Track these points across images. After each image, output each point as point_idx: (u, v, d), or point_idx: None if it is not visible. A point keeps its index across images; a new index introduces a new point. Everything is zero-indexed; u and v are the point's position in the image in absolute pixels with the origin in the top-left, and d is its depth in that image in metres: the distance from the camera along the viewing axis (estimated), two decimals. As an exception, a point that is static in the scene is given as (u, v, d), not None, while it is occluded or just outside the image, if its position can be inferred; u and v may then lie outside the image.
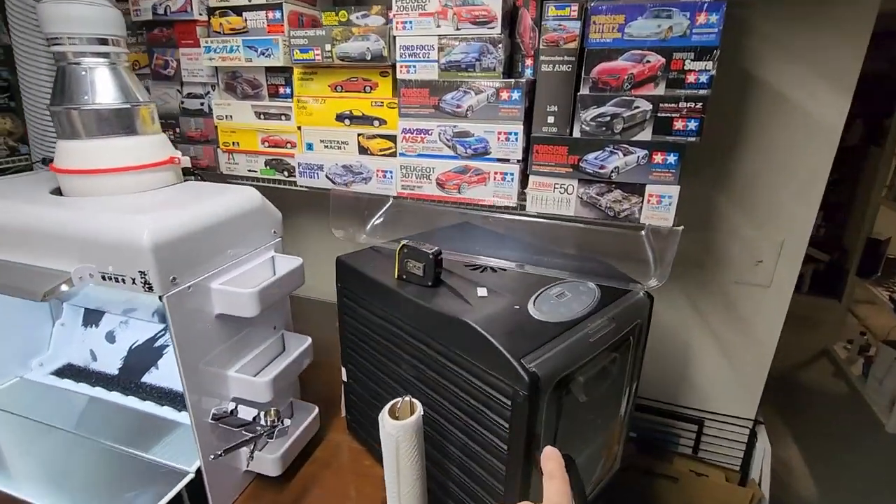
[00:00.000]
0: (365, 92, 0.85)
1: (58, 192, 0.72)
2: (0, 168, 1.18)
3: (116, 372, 0.89)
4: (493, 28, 0.72)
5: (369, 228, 0.83)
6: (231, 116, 0.96)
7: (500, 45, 0.73)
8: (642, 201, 0.71)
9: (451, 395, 0.61)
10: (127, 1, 0.95)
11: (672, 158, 0.68)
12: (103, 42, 0.69)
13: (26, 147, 1.22)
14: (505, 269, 0.70)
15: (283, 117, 0.92)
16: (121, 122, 0.71)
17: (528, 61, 0.76)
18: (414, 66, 0.78)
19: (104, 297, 0.89)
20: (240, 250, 0.69)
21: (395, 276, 0.68)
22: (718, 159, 0.92)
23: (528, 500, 0.42)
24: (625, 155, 0.70)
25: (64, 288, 0.57)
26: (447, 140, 0.79)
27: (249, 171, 0.99)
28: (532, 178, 0.75)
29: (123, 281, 0.58)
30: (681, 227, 0.70)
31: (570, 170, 0.73)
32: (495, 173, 0.77)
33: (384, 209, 0.85)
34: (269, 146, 0.95)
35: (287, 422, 0.69)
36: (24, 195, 0.68)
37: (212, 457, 0.64)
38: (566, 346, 0.55)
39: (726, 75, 0.84)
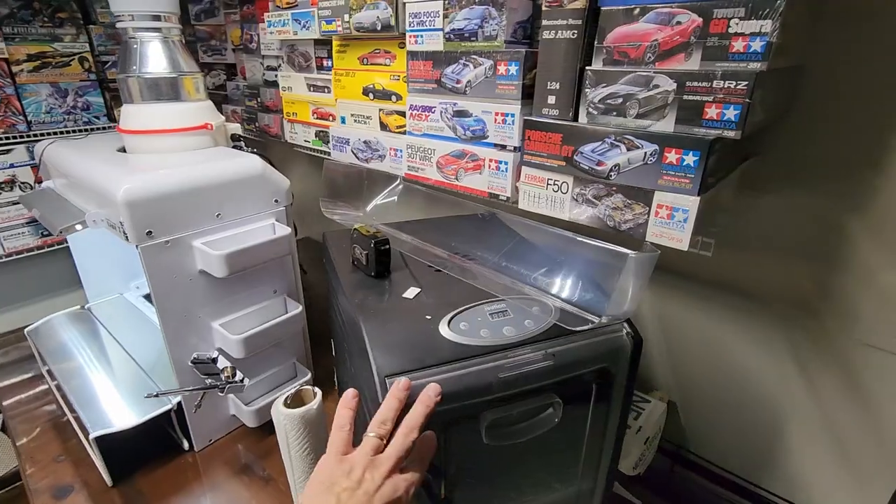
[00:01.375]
0: (385, 65, 0.81)
1: (123, 149, 0.86)
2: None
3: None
4: (495, -13, 0.61)
5: (370, 208, 0.80)
6: (291, 88, 1.01)
7: (503, 9, 0.61)
8: (648, 212, 0.53)
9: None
10: (226, -19, 1.07)
11: (691, 159, 0.49)
12: (156, 18, 0.78)
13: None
14: (469, 270, 0.61)
15: (325, 90, 0.94)
16: (167, 90, 0.80)
17: (550, 28, 0.63)
18: (421, 36, 0.71)
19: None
20: (230, 214, 0.74)
21: (351, 261, 0.65)
22: (850, 169, 0.64)
23: None
24: (628, 149, 0.53)
25: (78, 227, 0.68)
26: (448, 119, 0.71)
27: (305, 140, 1.04)
28: (524, 170, 0.63)
29: (115, 228, 0.66)
30: (656, 251, 0.51)
31: (564, 163, 0.58)
32: (490, 160, 0.67)
33: (389, 189, 0.81)
34: (318, 118, 0.99)
35: (245, 381, 0.73)
36: (93, 150, 0.83)
37: (146, 395, 0.72)
38: (461, 374, 0.46)
39: (876, 41, 0.57)
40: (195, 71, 0.83)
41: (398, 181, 0.81)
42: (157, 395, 0.72)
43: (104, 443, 0.70)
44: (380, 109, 0.83)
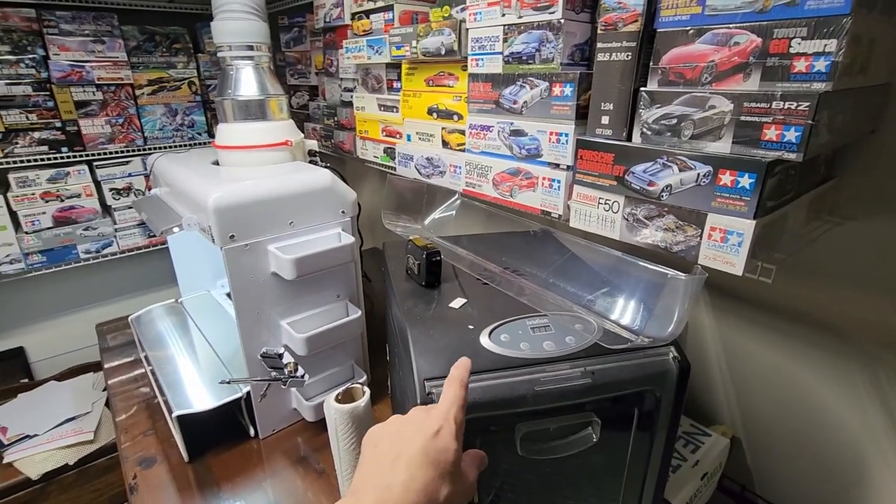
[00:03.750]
0: (449, 87, 0.85)
1: (217, 162, 0.97)
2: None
3: (259, 304, 1.15)
4: (553, 12, 0.63)
5: (429, 222, 0.84)
6: (364, 108, 1.09)
7: (559, 32, 0.63)
8: (701, 234, 0.52)
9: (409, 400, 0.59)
10: (313, 13, 1.17)
11: (746, 181, 0.48)
12: (250, 48, 0.88)
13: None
14: (510, 285, 0.62)
15: (394, 109, 1.00)
16: (255, 110, 0.90)
17: (608, 49, 0.64)
18: (482, 60, 0.74)
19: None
20: (302, 223, 0.81)
21: (405, 270, 0.69)
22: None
23: None
24: (681, 170, 0.52)
25: (175, 230, 0.78)
26: (505, 138, 0.73)
27: (374, 156, 1.12)
28: (576, 189, 0.64)
29: (205, 231, 0.76)
30: (705, 275, 0.49)
31: (615, 183, 0.58)
32: (544, 179, 0.68)
33: (448, 204, 0.85)
34: (386, 135, 1.05)
35: (306, 377, 0.78)
36: (192, 162, 0.95)
37: (220, 381, 0.79)
38: (494, 384, 0.48)
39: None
40: (280, 93, 0.92)
41: (456, 196, 0.85)
42: (228, 383, 0.80)
43: (184, 422, 0.79)
44: (442, 128, 0.87)
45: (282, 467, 0.82)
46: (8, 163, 1.23)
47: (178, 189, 0.87)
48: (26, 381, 1.56)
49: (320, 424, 0.88)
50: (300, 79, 1.42)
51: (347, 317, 0.89)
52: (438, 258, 0.63)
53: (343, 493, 0.62)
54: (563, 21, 0.62)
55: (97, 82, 1.29)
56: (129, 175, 1.41)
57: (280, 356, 0.83)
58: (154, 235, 1.49)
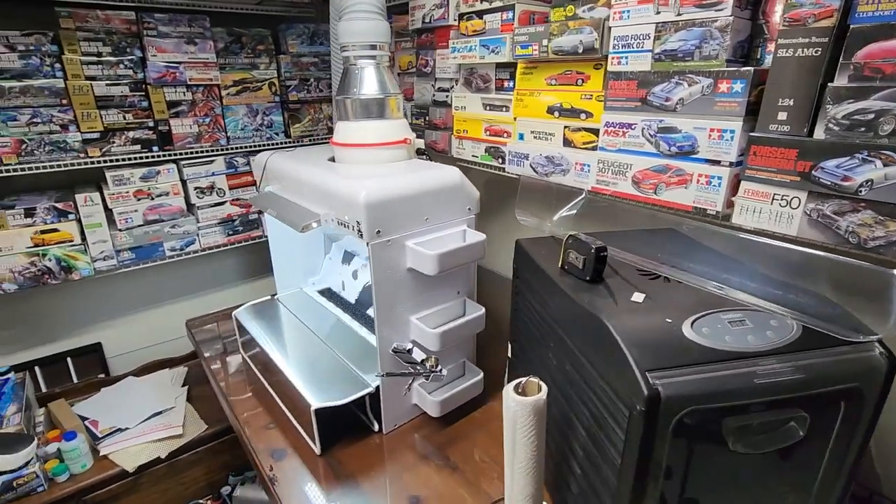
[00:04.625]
0: (577, 85, 0.86)
1: (332, 159, 0.98)
2: (323, 141, 1.65)
3: (353, 301, 1.16)
4: (721, 10, 0.63)
5: (556, 219, 0.85)
6: (465, 107, 1.10)
7: (727, 29, 0.63)
8: (904, 229, 0.52)
9: (581, 393, 0.60)
10: (407, 13, 1.19)
11: (968, 174, 0.48)
12: (373, 48, 0.90)
13: (338, 128, 1.66)
14: (680, 282, 0.63)
15: (503, 108, 1.01)
16: (376, 109, 0.91)
17: (771, 46, 0.64)
18: (625, 58, 0.75)
19: (358, 243, 1.16)
20: (435, 219, 0.82)
21: (559, 265, 0.70)
22: None
23: None
24: (885, 165, 0.52)
25: (314, 225, 0.80)
26: (650, 136, 0.74)
27: (473, 156, 1.12)
28: (744, 185, 0.64)
29: (348, 227, 0.77)
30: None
31: (798, 178, 0.58)
32: (699, 175, 0.69)
33: (574, 202, 0.85)
34: (490, 135, 1.06)
35: (444, 371, 0.79)
36: (311, 160, 0.96)
37: (376, 374, 0.80)
38: (715, 376, 0.48)
39: None
40: (398, 92, 0.93)
41: (583, 195, 0.85)
42: (385, 376, 0.81)
43: (321, 415, 0.80)
44: (565, 126, 0.88)
45: (413, 461, 0.82)
46: (105, 161, 1.26)
47: (304, 185, 0.89)
48: (103, 376, 1.59)
49: (442, 420, 0.89)
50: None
51: (465, 314, 0.90)
52: (605, 253, 0.64)
53: (513, 485, 0.62)
54: (732, 18, 0.63)
55: (189, 83, 1.32)
56: (213, 174, 1.43)
57: (409, 351, 0.84)
58: (234, 234, 1.51)
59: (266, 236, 1.59)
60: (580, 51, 0.80)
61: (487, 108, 1.05)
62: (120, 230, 1.31)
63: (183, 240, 1.42)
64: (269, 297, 1.19)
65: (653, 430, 0.47)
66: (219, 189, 1.45)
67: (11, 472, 1.08)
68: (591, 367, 0.57)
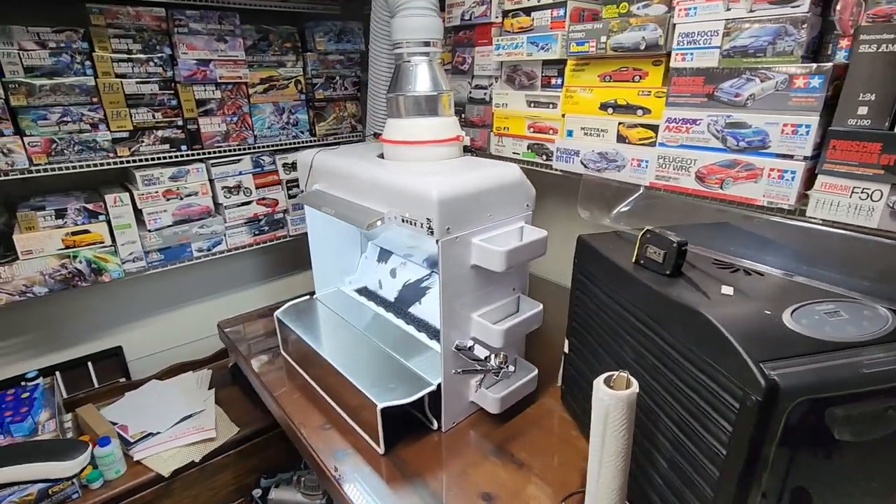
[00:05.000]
0: (633, 81, 0.86)
1: (380, 156, 0.98)
2: (347, 140, 1.64)
3: (393, 300, 1.15)
4: (798, 6, 0.64)
5: (614, 215, 0.85)
6: (506, 104, 1.10)
7: (804, 26, 0.64)
8: None
9: (670, 386, 0.60)
10: (443, 10, 1.18)
11: None
12: (427, 44, 0.89)
13: (361, 126, 1.65)
14: (762, 274, 0.63)
15: (550, 105, 1.01)
16: (429, 106, 0.91)
17: (844, 42, 0.65)
18: (691, 54, 0.75)
19: (395, 241, 1.16)
20: (497, 215, 0.82)
21: (633, 260, 0.70)
22: None
23: None
24: (975, 157, 0.54)
25: (379, 223, 0.79)
26: (717, 131, 0.74)
27: (514, 153, 1.13)
28: (821, 179, 0.65)
29: (415, 224, 0.76)
30: None
31: (882, 171, 0.60)
32: (771, 170, 0.70)
33: (632, 198, 0.86)
34: (534, 132, 1.06)
35: (512, 368, 0.79)
36: (361, 157, 0.95)
37: (454, 371, 0.80)
38: (824, 366, 0.48)
39: None
40: (450, 89, 0.93)
41: (640, 191, 0.86)
42: (461, 373, 0.81)
43: (386, 414, 0.79)
44: (620, 123, 0.89)
45: (477, 458, 0.82)
46: (134, 161, 1.23)
47: (360, 183, 0.88)
48: (124, 379, 1.56)
49: (497, 417, 0.89)
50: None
51: (518, 310, 0.90)
52: (686, 248, 0.64)
53: (599, 478, 0.63)
54: (809, 14, 0.64)
55: (219, 81, 1.30)
56: (240, 174, 1.41)
57: (471, 349, 0.83)
58: (260, 233, 1.50)
59: (290, 236, 1.57)
60: (642, 47, 0.81)
61: (532, 105, 1.05)
62: (149, 231, 1.29)
63: (210, 240, 1.40)
64: (307, 297, 1.17)
65: (766, 421, 0.48)
66: (245, 188, 1.43)
67: (50, 480, 1.06)
68: (684, 360, 0.57)
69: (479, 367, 0.79)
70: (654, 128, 0.83)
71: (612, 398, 0.59)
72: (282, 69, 1.42)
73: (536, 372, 0.93)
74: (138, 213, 1.27)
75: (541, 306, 0.88)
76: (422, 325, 1.04)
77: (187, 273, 1.55)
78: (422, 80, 0.90)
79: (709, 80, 0.74)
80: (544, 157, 1.05)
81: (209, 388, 1.49)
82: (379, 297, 1.18)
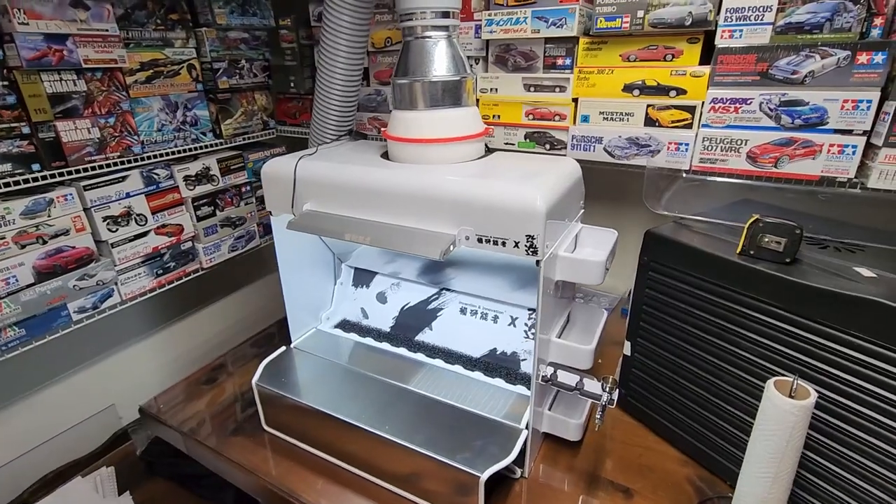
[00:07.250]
0: (665, 60, 0.81)
1: (384, 156, 0.78)
2: (256, 140, 1.32)
3: (389, 329, 0.96)
4: (859, -18, 0.65)
5: (664, 202, 0.80)
6: (496, 89, 0.97)
7: (861, 1, 0.66)
8: None
9: (839, 384, 0.57)
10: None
11: None
12: (445, 15, 0.72)
13: (273, 121, 1.35)
14: (863, 249, 0.64)
15: (557, 89, 0.92)
16: (453, 94, 0.74)
17: (877, 20, 0.68)
18: (740, 31, 0.73)
19: (383, 256, 0.95)
20: (569, 219, 0.71)
21: (738, 250, 0.66)
22: None
23: None
24: None
25: (452, 248, 0.61)
26: (770, 110, 0.74)
27: (506, 143, 1.01)
28: (885, 151, 0.68)
29: (503, 244, 0.61)
30: None
31: (945, 142, 0.64)
32: (831, 145, 0.71)
33: (675, 185, 0.82)
34: (534, 119, 0.96)
35: (616, 391, 0.70)
36: (367, 160, 0.74)
37: (598, 417, 0.67)
38: None
39: None
40: (470, 73, 0.77)
41: (683, 176, 0.82)
42: (602, 415, 0.67)
43: (489, 483, 0.64)
44: (648, 105, 0.84)
45: (579, 498, 0.72)
46: (-48, 194, 0.79)
47: (395, 197, 0.68)
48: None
49: (564, 445, 0.79)
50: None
51: (573, 320, 0.81)
52: (802, 232, 0.62)
53: (770, 493, 0.58)
54: (867, -9, 0.65)
55: (83, 65, 0.89)
56: (128, 195, 1.01)
57: (554, 376, 0.72)
58: (164, 272, 1.12)
59: (204, 269, 1.22)
60: (688, 23, 0.76)
61: (531, 89, 0.94)
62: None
63: (96, 294, 1.00)
64: (283, 349, 0.90)
65: None
66: (138, 215, 1.05)
67: None
68: (853, 352, 0.55)
69: (591, 400, 0.68)
70: (691, 109, 0.80)
71: (795, 407, 0.54)
72: (169, 49, 1.06)
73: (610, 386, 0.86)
74: (-27, 272, 0.83)
75: (605, 314, 0.80)
76: (447, 355, 0.87)
77: (63, 340, 1.09)
78: (442, 60, 0.73)
79: (762, 58, 0.73)
80: (547, 146, 0.96)
81: (119, 494, 1.08)
82: (368, 328, 0.97)
